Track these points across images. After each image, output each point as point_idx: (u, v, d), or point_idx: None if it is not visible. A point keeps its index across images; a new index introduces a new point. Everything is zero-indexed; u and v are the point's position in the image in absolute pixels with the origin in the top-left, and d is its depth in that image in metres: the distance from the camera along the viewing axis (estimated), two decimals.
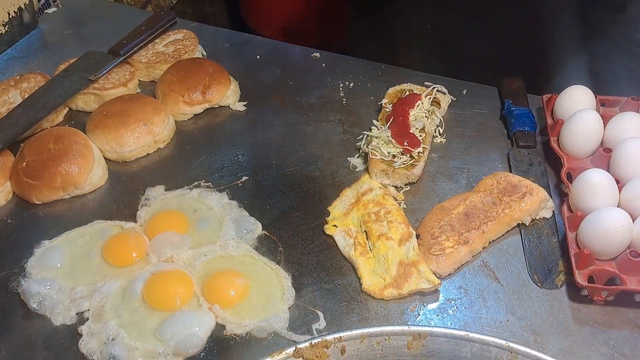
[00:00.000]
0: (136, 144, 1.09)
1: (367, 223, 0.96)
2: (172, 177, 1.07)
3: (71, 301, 0.88)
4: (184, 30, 1.35)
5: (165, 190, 1.04)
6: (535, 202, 0.96)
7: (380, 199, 1.00)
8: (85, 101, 1.20)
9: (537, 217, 0.98)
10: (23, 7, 1.35)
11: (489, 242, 0.95)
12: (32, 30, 1.39)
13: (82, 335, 0.84)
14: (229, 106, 1.21)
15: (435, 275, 0.89)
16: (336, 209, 1.00)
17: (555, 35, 1.21)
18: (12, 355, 0.83)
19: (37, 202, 1.02)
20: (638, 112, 1.05)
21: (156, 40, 1.32)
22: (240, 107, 1.21)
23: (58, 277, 0.91)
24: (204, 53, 1.34)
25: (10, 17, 1.32)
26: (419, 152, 1.04)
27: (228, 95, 1.20)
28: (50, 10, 1.46)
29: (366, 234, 0.96)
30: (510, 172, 1.04)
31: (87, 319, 0.86)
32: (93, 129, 1.10)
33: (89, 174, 1.03)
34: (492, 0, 1.21)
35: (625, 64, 1.23)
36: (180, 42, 1.32)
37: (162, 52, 1.30)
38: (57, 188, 1.02)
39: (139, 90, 1.25)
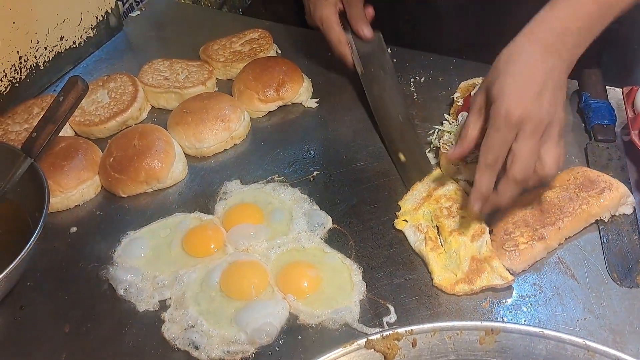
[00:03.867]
0: (214, 139, 1.14)
1: (438, 218, 0.96)
2: (248, 171, 1.11)
3: (154, 289, 0.92)
4: (259, 30, 1.39)
5: (242, 184, 1.08)
6: (614, 197, 0.93)
7: (452, 194, 0.99)
8: (166, 99, 1.25)
9: (617, 214, 0.95)
10: (109, 11, 1.42)
11: (565, 239, 0.93)
12: (117, 33, 1.47)
13: (164, 321, 0.88)
14: (301, 103, 1.24)
15: (509, 272, 0.88)
16: (407, 203, 1.01)
17: (635, 25, 1.15)
18: (103, 336, 0.88)
19: (123, 195, 1.08)
20: None
21: (233, 39, 1.37)
22: (312, 103, 1.24)
23: (142, 266, 0.95)
24: (279, 51, 1.37)
25: (98, 20, 1.40)
26: None
27: (301, 92, 1.23)
28: (134, 14, 1.54)
29: (437, 229, 0.96)
30: (588, 166, 1.01)
31: (169, 306, 0.90)
32: (174, 125, 1.16)
33: (170, 168, 1.08)
34: None
35: None
36: (255, 41, 1.36)
37: (239, 50, 1.34)
38: (142, 182, 1.07)
39: (216, 89, 1.29)
